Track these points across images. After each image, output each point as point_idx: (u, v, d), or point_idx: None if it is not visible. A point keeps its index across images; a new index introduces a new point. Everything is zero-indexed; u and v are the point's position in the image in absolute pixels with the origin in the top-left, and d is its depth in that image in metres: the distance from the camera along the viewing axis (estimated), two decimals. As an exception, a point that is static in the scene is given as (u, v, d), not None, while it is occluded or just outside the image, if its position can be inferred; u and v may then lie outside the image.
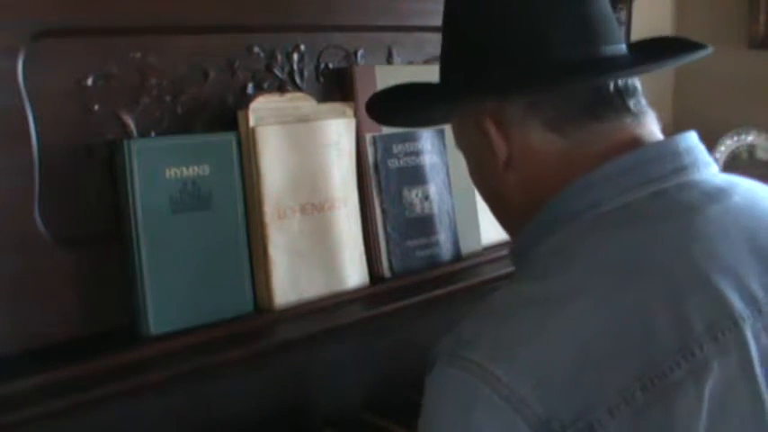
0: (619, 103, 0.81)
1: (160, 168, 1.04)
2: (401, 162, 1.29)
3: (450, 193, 1.35)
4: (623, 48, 0.84)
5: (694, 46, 0.86)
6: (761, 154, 2.22)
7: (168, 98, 1.10)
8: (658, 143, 0.81)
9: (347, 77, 1.27)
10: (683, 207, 0.76)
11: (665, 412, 0.65)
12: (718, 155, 2.19)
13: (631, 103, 0.82)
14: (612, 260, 0.72)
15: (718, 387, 0.66)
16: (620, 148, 0.79)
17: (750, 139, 2.22)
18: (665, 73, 2.36)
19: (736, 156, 2.21)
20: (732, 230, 0.74)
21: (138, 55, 1.07)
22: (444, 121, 1.01)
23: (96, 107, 1.04)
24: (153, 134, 1.09)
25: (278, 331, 1.11)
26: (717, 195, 0.77)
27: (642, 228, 0.75)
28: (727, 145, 2.20)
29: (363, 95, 1.25)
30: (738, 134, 2.21)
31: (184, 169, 1.06)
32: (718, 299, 0.69)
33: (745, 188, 0.81)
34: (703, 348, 0.67)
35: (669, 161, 0.79)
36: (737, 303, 0.70)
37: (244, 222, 1.12)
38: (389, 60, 1.36)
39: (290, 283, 1.14)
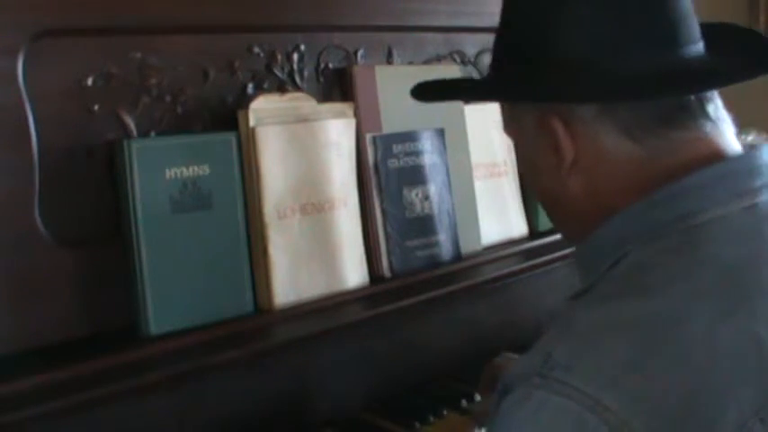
0: (698, 109, 0.76)
1: (160, 168, 1.04)
2: (401, 162, 1.29)
3: (451, 193, 1.35)
4: (701, 46, 0.79)
5: None
6: (761, 154, 2.22)
7: (168, 98, 1.10)
8: (743, 156, 0.77)
9: (347, 77, 1.27)
10: None
11: None
12: (718, 155, 2.19)
13: (710, 109, 0.77)
14: (717, 280, 0.68)
15: None
16: (702, 159, 0.74)
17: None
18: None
19: (735, 156, 2.21)
20: None
21: (138, 55, 1.07)
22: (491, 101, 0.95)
23: (96, 107, 1.04)
24: (153, 134, 1.09)
25: (278, 331, 1.11)
26: None
27: (743, 245, 0.71)
28: (727, 145, 2.20)
29: (363, 95, 1.26)
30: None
31: (184, 169, 1.06)
32: None
33: None
34: None
35: (757, 175, 0.75)
36: None
37: (244, 222, 1.12)
38: (389, 60, 1.36)
39: (290, 283, 1.14)
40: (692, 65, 0.76)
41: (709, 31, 0.83)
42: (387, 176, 1.28)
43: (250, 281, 1.12)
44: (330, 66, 1.27)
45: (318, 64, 1.26)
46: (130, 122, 1.07)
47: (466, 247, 1.36)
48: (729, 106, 0.82)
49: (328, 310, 1.17)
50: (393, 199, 1.28)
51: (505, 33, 0.84)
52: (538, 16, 0.79)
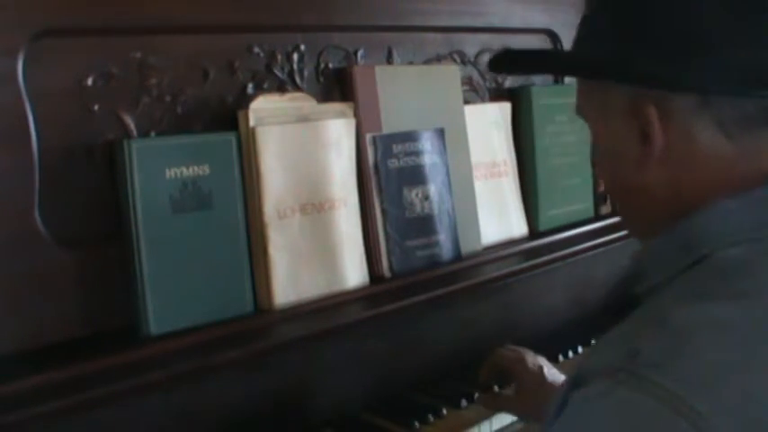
0: None
1: (160, 168, 1.04)
2: (401, 162, 1.29)
3: (451, 193, 1.35)
4: None
5: None
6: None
7: (168, 98, 1.10)
8: None
9: (347, 77, 1.27)
10: None
11: None
12: (718, 155, 2.18)
13: None
14: None
15: None
16: None
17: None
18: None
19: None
20: None
21: (138, 55, 1.07)
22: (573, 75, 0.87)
23: (96, 107, 1.04)
24: (153, 134, 1.09)
25: (278, 331, 1.11)
26: None
27: None
28: (727, 145, 2.19)
29: (363, 95, 1.26)
30: None
31: (184, 169, 1.06)
32: None
33: None
34: None
35: None
36: None
37: (244, 222, 1.12)
38: (389, 60, 1.36)
39: (290, 283, 1.14)
40: None
41: None
42: (387, 176, 1.28)
43: (250, 281, 1.12)
44: (330, 66, 1.27)
45: (318, 64, 1.26)
46: (130, 122, 1.07)
47: (466, 247, 1.36)
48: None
49: (328, 310, 1.17)
50: (393, 199, 1.28)
51: (611, 4, 0.78)
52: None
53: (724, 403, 0.59)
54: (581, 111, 0.82)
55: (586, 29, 0.79)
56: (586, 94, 0.81)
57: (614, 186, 0.82)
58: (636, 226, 0.84)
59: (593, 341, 1.35)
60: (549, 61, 0.90)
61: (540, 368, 1.10)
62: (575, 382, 0.66)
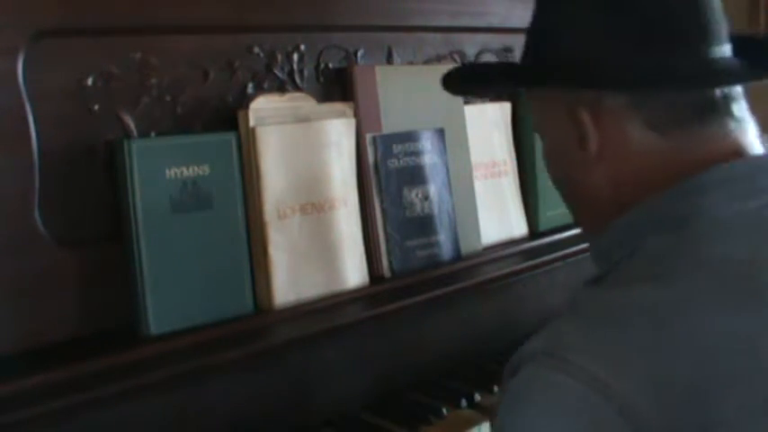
0: (723, 107, 0.78)
1: (160, 168, 1.04)
2: (401, 162, 1.29)
3: (451, 193, 1.35)
4: (729, 48, 0.79)
5: None
6: (761, 154, 2.22)
7: (168, 98, 1.10)
8: (764, 155, 0.79)
9: (347, 77, 1.27)
10: None
11: None
12: (718, 155, 2.18)
13: (735, 108, 0.78)
14: (736, 273, 0.69)
15: None
16: (725, 154, 0.76)
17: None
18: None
19: (736, 156, 2.21)
20: None
21: (138, 55, 1.07)
22: (520, 91, 0.96)
23: (96, 107, 1.04)
24: (153, 134, 1.09)
25: (278, 331, 1.11)
26: None
27: (758, 242, 0.72)
28: (727, 145, 2.19)
29: (363, 95, 1.26)
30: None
31: (184, 169, 1.06)
32: None
33: None
34: None
35: None
36: None
37: (244, 222, 1.12)
38: (389, 60, 1.36)
39: (290, 283, 1.14)
40: (719, 62, 0.77)
41: (739, 38, 0.84)
42: (387, 176, 1.28)
43: (250, 281, 1.12)
44: (330, 66, 1.27)
45: (318, 64, 1.26)
46: (130, 122, 1.07)
47: (466, 247, 1.36)
48: (752, 109, 0.83)
49: (328, 310, 1.17)
50: (393, 199, 1.28)
51: (540, 23, 0.85)
52: (575, 6, 0.80)
53: (637, 380, 0.62)
54: (535, 126, 0.89)
55: (525, 44, 0.86)
56: (534, 108, 0.88)
57: (563, 190, 0.88)
58: (587, 225, 0.88)
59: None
60: (491, 80, 0.93)
61: None
62: (512, 371, 0.69)
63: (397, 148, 1.29)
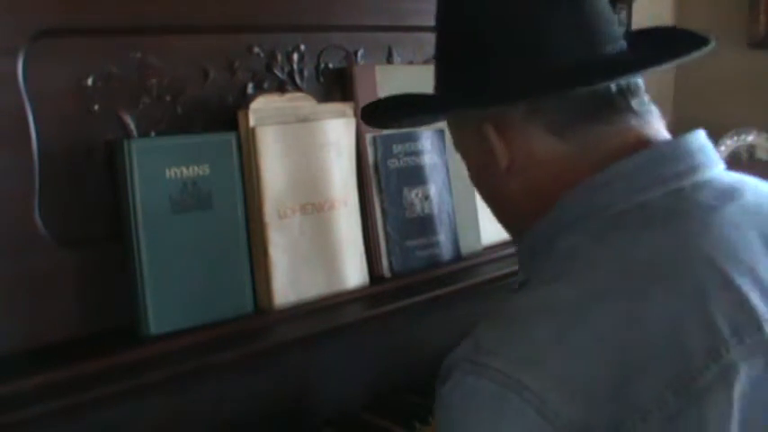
0: (622, 103, 0.79)
1: (160, 168, 1.04)
2: (401, 162, 1.29)
3: (450, 193, 1.35)
4: (623, 45, 0.82)
5: (696, 42, 0.84)
6: (761, 154, 2.22)
7: (168, 98, 1.10)
8: (669, 142, 0.80)
9: (347, 77, 1.27)
10: (700, 206, 0.75)
11: (698, 417, 0.64)
12: (718, 155, 2.18)
13: (634, 103, 0.80)
14: (635, 264, 0.70)
15: (747, 388, 0.66)
16: (627, 148, 0.78)
17: (750, 139, 2.22)
18: (666, 73, 2.36)
19: (736, 156, 2.21)
20: (748, 230, 0.73)
21: (138, 55, 1.07)
22: (441, 121, 1.02)
23: (96, 107, 1.04)
24: (153, 134, 1.09)
25: (278, 331, 1.11)
26: (730, 194, 0.77)
27: (662, 229, 0.73)
28: (727, 145, 2.20)
29: (363, 95, 1.26)
30: (738, 134, 2.20)
31: (184, 169, 1.06)
32: (742, 301, 0.69)
33: (754, 186, 0.80)
34: (730, 350, 0.66)
35: (682, 160, 0.78)
36: (760, 306, 0.69)
37: (244, 222, 1.12)
38: (389, 60, 1.36)
39: (290, 283, 1.14)
40: (608, 59, 0.79)
41: (641, 33, 0.88)
42: (387, 176, 1.28)
43: (250, 281, 1.12)
44: (330, 66, 1.27)
45: (318, 64, 1.26)
46: (130, 122, 1.07)
47: (466, 247, 1.36)
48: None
49: (328, 310, 1.17)
50: (393, 199, 1.28)
51: (437, 52, 0.88)
52: (459, 28, 0.84)
53: (550, 376, 0.64)
54: (455, 147, 0.92)
55: (435, 73, 0.89)
56: (451, 131, 0.92)
57: (490, 205, 0.91)
58: (513, 233, 0.91)
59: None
60: (402, 113, 0.96)
61: None
62: (440, 380, 0.71)
63: (397, 148, 1.29)
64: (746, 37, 2.22)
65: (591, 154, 0.79)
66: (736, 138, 2.20)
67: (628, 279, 0.69)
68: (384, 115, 0.98)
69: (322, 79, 1.27)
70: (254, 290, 1.13)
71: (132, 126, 1.07)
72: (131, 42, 1.07)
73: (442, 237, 1.33)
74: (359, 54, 1.31)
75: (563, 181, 0.79)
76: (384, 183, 1.27)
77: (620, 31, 0.83)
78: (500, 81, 0.80)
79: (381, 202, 1.27)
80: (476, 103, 0.82)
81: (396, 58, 1.36)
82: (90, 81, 1.03)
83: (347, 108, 1.23)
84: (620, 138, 0.79)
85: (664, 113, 0.85)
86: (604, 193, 0.76)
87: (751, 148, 2.23)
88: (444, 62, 0.88)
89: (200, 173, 1.08)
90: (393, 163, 1.28)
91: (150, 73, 1.08)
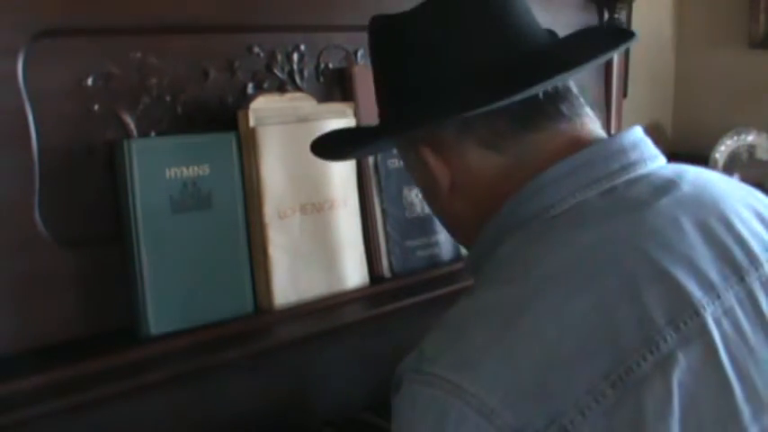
0: (551, 109, 0.80)
1: (160, 168, 1.04)
2: (401, 162, 1.29)
3: (451, 193, 1.35)
4: (545, 49, 0.83)
5: (619, 38, 0.85)
6: (761, 154, 2.22)
7: (168, 98, 1.10)
8: (602, 142, 0.81)
9: (347, 77, 1.27)
10: (633, 203, 0.76)
11: (636, 407, 0.65)
12: (717, 155, 2.19)
13: (564, 108, 0.81)
14: (568, 263, 0.71)
15: (686, 377, 0.66)
16: (561, 152, 0.79)
17: (750, 139, 2.22)
18: (665, 73, 2.36)
19: (736, 156, 2.21)
20: (683, 220, 0.74)
21: (138, 55, 1.07)
22: (385, 150, 1.07)
23: (96, 107, 1.04)
24: (153, 134, 1.09)
25: (278, 331, 1.11)
26: (665, 187, 0.78)
27: (595, 228, 0.74)
28: (727, 145, 2.20)
29: (363, 95, 1.26)
30: (738, 134, 2.21)
31: (184, 169, 1.06)
32: (677, 289, 0.69)
33: (693, 176, 0.81)
34: (667, 340, 0.67)
35: (615, 159, 0.79)
36: (696, 292, 0.70)
37: (244, 222, 1.12)
38: (389, 60, 1.35)
39: (290, 283, 1.14)
40: (529, 66, 0.80)
41: (568, 38, 0.89)
42: (387, 176, 1.28)
43: (250, 281, 1.12)
44: (330, 66, 1.28)
45: (318, 64, 1.26)
46: (130, 122, 1.07)
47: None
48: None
49: (328, 310, 1.17)
50: (393, 199, 1.28)
51: (374, 83, 0.91)
52: (388, 59, 0.87)
53: (488, 378, 0.66)
54: (406, 170, 0.94)
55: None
56: (400, 156, 0.95)
57: (440, 219, 0.93)
58: (465, 245, 0.94)
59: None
60: (354, 144, 0.98)
61: None
62: (393, 389, 0.73)
63: (397, 148, 1.29)
64: (746, 37, 2.22)
65: (526, 162, 0.80)
66: (736, 138, 2.21)
67: (559, 278, 0.70)
68: (331, 150, 1.00)
69: (322, 79, 1.27)
70: (254, 290, 1.13)
71: (132, 126, 1.07)
72: (131, 42, 1.07)
73: (442, 237, 1.33)
74: (359, 54, 1.31)
75: (503, 192, 0.80)
76: (384, 183, 1.27)
77: (541, 34, 0.84)
78: (419, 105, 0.82)
79: (381, 202, 1.27)
80: (393, 131, 0.86)
81: (396, 58, 1.36)
82: (90, 81, 1.03)
83: (347, 108, 1.23)
84: (554, 143, 0.80)
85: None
86: (541, 198, 0.78)
87: (751, 148, 2.23)
88: (378, 95, 0.90)
89: (200, 173, 1.08)
90: (393, 163, 1.28)
91: (150, 73, 1.08)
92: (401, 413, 0.70)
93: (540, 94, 0.80)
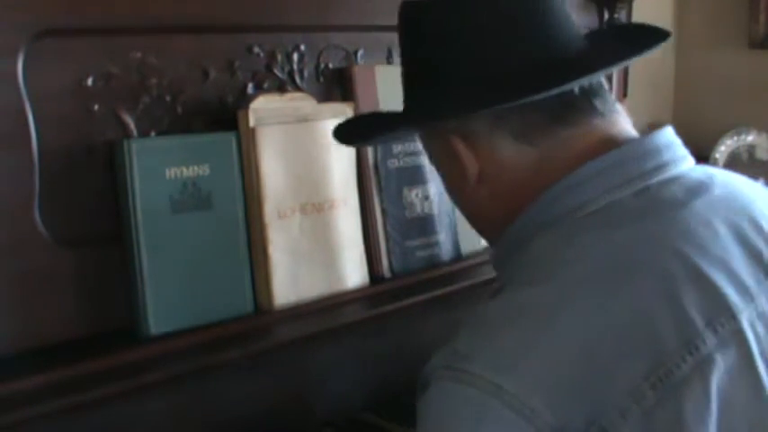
0: (585, 105, 0.80)
1: (160, 168, 1.04)
2: (401, 162, 1.29)
3: (451, 193, 1.35)
4: (581, 46, 0.83)
5: (655, 37, 0.85)
6: (761, 154, 2.22)
7: (168, 98, 1.10)
8: (636, 141, 0.81)
9: (347, 77, 1.27)
10: (667, 203, 0.76)
11: (676, 409, 0.65)
12: (718, 155, 2.19)
13: (598, 103, 0.81)
14: (604, 262, 0.71)
15: (723, 380, 0.66)
16: (594, 150, 0.79)
17: (750, 139, 2.22)
18: (666, 73, 2.36)
19: (736, 156, 2.21)
20: (717, 223, 0.74)
21: (138, 55, 1.07)
22: (410, 137, 1.05)
23: (96, 107, 1.04)
24: (153, 134, 1.09)
25: (278, 331, 1.11)
26: (698, 189, 0.78)
27: (630, 227, 0.74)
28: (727, 145, 2.20)
29: (363, 95, 1.26)
30: (738, 134, 2.20)
31: (184, 169, 1.06)
32: (714, 292, 0.70)
33: (723, 180, 0.81)
34: (706, 342, 0.67)
35: (650, 159, 0.79)
36: (732, 295, 0.70)
37: (244, 222, 1.12)
38: (389, 60, 1.35)
39: (290, 283, 1.14)
40: (566, 62, 0.80)
41: (602, 33, 0.90)
42: (387, 176, 1.28)
43: (250, 281, 1.12)
44: (330, 66, 1.28)
45: (318, 64, 1.26)
46: (130, 122, 1.07)
47: (466, 247, 1.36)
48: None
49: (328, 310, 1.17)
50: (393, 199, 1.28)
51: (402, 74, 0.89)
52: (425, 44, 0.84)
53: (527, 378, 0.65)
54: (430, 161, 0.93)
55: (403, 93, 0.90)
56: (424, 146, 0.93)
57: (465, 214, 0.92)
58: (488, 238, 0.93)
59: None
60: (374, 129, 0.96)
61: None
62: (420, 388, 0.71)
63: (396, 148, 1.29)
64: (746, 37, 2.22)
65: (558, 158, 0.80)
66: (736, 138, 2.21)
67: (597, 279, 0.70)
68: (354, 134, 0.98)
69: (322, 79, 1.27)
70: (254, 290, 1.13)
71: (132, 126, 1.07)
72: (131, 42, 1.07)
73: (442, 237, 1.33)
74: (359, 54, 1.31)
75: (533, 186, 0.80)
76: (384, 183, 1.27)
77: (577, 31, 0.84)
78: (457, 94, 0.81)
79: (381, 201, 1.27)
80: (434, 117, 0.84)
81: (396, 58, 1.36)
82: (90, 81, 1.03)
83: (347, 108, 1.23)
84: (587, 139, 0.80)
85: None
86: (574, 196, 0.77)
87: (751, 148, 2.23)
88: (409, 81, 0.89)
89: (200, 173, 1.08)
90: (393, 163, 1.28)
91: (150, 73, 1.08)
92: (431, 411, 0.69)
93: (576, 89, 0.80)
